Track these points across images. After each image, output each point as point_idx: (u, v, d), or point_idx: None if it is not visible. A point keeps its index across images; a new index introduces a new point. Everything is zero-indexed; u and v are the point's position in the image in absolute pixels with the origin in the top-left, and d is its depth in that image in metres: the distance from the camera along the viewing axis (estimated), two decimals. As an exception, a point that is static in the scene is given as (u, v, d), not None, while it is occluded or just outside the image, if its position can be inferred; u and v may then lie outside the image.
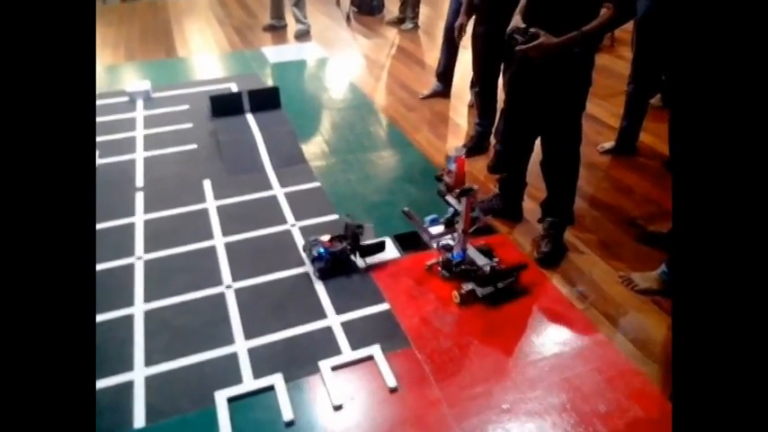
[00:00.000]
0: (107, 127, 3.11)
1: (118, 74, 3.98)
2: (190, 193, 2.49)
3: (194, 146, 2.91)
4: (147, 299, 1.90)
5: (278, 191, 2.51)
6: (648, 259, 2.06)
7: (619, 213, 2.39)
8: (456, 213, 1.92)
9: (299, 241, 2.17)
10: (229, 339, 1.73)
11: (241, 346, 1.71)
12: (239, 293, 1.92)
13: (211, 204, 2.42)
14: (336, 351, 1.69)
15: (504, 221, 2.32)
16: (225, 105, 3.13)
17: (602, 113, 3.28)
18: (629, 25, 2.91)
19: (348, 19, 5.27)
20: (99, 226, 2.27)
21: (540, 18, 1.79)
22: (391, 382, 1.57)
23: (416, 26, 5.02)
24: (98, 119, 3.20)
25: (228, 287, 1.95)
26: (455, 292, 1.87)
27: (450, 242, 1.96)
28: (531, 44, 1.76)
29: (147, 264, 2.07)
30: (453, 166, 1.82)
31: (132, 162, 2.76)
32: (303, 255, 2.04)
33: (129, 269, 2.04)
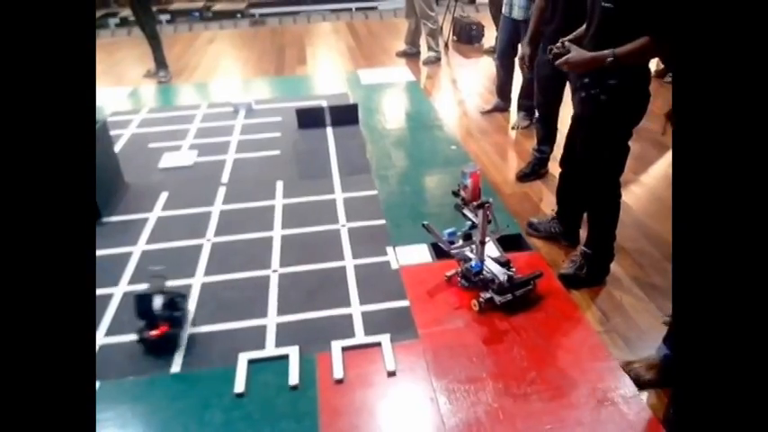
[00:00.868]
0: (210, 131, 3.58)
1: (239, 87, 4.53)
2: (263, 191, 2.82)
3: (277, 152, 3.27)
4: (207, 273, 2.22)
5: (338, 195, 2.77)
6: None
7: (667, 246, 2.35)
8: (473, 226, 2.03)
9: (346, 240, 2.39)
10: (263, 314, 1.99)
11: (272, 320, 1.95)
12: (281, 277, 2.18)
13: (279, 202, 2.72)
14: (350, 335, 1.87)
15: (553, 244, 2.37)
16: (309, 118, 3.47)
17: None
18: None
19: (446, 46, 5.51)
20: (182, 211, 2.66)
21: (592, 45, 1.84)
22: (391, 366, 1.73)
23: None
24: (204, 124, 3.70)
25: (274, 271, 2.21)
26: (474, 301, 1.97)
27: (469, 254, 2.07)
28: (563, 58, 1.85)
29: (214, 245, 2.40)
30: (468, 182, 1.93)
31: (223, 162, 3.17)
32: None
33: (198, 248, 2.38)
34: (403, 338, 1.85)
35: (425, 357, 1.77)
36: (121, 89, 4.58)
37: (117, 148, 3.25)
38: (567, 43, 1.87)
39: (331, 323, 1.94)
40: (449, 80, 4.70)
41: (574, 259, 2.16)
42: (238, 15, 7.32)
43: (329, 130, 3.49)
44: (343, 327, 1.92)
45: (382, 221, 2.52)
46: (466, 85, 4.53)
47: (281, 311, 1.99)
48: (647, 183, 2.94)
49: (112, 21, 7.05)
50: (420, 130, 3.58)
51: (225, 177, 2.99)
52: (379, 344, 1.83)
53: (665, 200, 2.73)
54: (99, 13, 7.05)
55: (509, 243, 2.31)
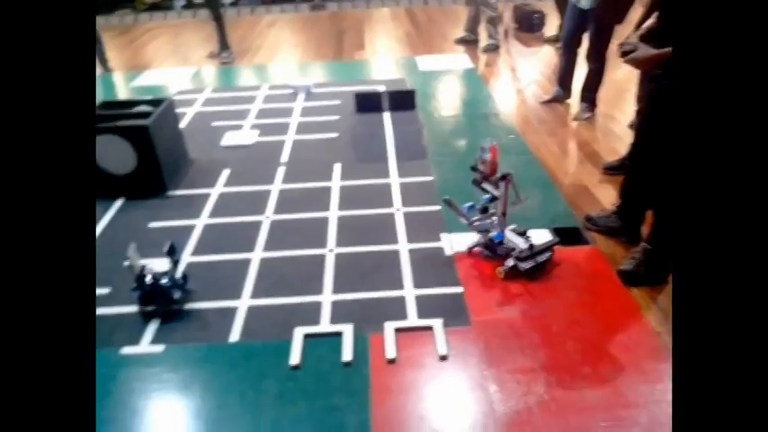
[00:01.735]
0: (270, 112, 3.67)
1: (299, 70, 4.60)
2: (321, 173, 2.87)
3: (335, 134, 3.31)
4: (266, 249, 2.28)
5: (394, 180, 2.79)
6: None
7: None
8: (492, 199, 2.09)
9: (401, 224, 2.41)
10: (319, 290, 2.03)
11: (327, 297, 2.00)
12: (338, 257, 2.22)
13: (336, 184, 2.77)
14: (403, 317, 1.90)
15: (611, 239, 2.31)
16: (367, 103, 3.50)
17: None
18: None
19: (506, 34, 5.41)
20: (243, 188, 2.74)
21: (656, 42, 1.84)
22: (443, 350, 1.74)
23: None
24: (265, 105, 3.78)
25: (330, 251, 2.26)
26: (499, 269, 2.06)
27: (489, 226, 2.14)
28: (629, 55, 1.83)
29: (273, 223, 2.47)
30: (488, 156, 2.02)
31: (282, 142, 3.24)
32: (132, 263, 1.94)
33: (258, 224, 2.45)
34: (455, 324, 1.86)
35: (477, 344, 1.78)
36: (186, 69, 4.73)
37: (182, 125, 3.37)
38: (635, 41, 1.85)
39: (384, 304, 1.96)
40: (508, 68, 4.62)
41: (634, 256, 2.11)
42: (299, -1, 7.39)
43: (386, 114, 3.51)
44: (396, 308, 1.94)
45: (437, 207, 2.52)
46: (525, 74, 4.44)
47: (336, 289, 2.04)
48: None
49: (178, 3, 7.25)
50: (477, 117, 3.55)
51: (284, 157, 3.05)
52: (431, 328, 1.84)
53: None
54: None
55: (566, 236, 2.27)
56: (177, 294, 1.95)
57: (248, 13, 7.09)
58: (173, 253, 1.99)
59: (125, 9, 7.19)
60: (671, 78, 1.79)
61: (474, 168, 2.10)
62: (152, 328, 1.90)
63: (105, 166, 2.62)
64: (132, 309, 1.97)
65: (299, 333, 1.83)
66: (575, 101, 3.69)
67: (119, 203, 2.66)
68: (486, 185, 2.10)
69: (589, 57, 3.39)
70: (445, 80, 4.29)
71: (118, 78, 4.67)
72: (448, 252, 2.23)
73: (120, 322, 1.93)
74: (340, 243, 2.30)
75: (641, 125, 2.15)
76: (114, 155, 2.60)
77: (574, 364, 1.70)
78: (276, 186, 2.76)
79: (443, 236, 2.32)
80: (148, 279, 1.93)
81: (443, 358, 1.73)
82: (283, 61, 4.93)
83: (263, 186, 2.76)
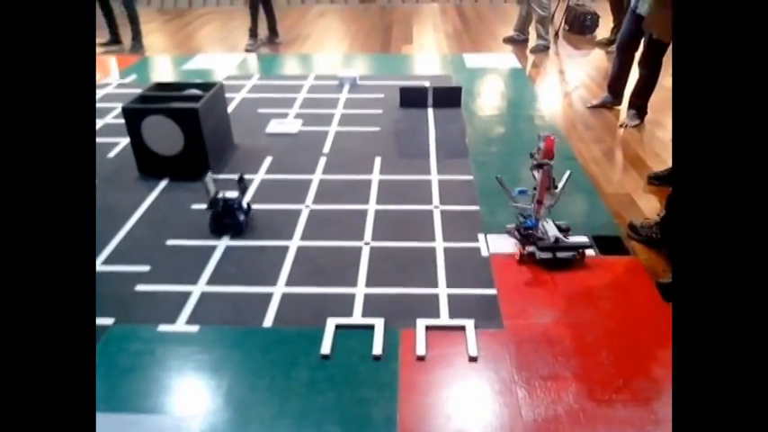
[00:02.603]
0: (315, 102, 3.70)
1: (345, 61, 4.63)
2: (361, 165, 2.88)
3: (378, 128, 3.32)
4: (303, 238, 2.31)
5: (434, 177, 2.78)
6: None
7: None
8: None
9: (438, 222, 2.40)
10: (353, 282, 2.05)
11: (360, 290, 2.01)
12: (373, 250, 2.23)
13: (376, 177, 2.78)
14: (435, 315, 1.89)
15: (654, 251, 2.26)
16: (411, 98, 3.49)
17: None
18: None
19: (556, 35, 5.31)
20: (285, 176, 2.78)
21: None
22: (473, 351, 1.73)
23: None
24: (310, 95, 3.82)
25: (366, 244, 2.27)
26: (518, 251, 2.16)
27: (531, 212, 2.19)
28: None
29: (312, 212, 2.49)
30: (542, 144, 2.07)
31: (325, 133, 3.27)
32: (208, 188, 2.27)
33: (297, 213, 2.48)
34: (487, 326, 1.85)
35: (508, 348, 1.76)
36: (235, 55, 4.81)
37: (229, 110, 3.43)
38: None
39: (417, 301, 1.97)
40: (556, 70, 4.54)
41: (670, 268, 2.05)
42: (349, -10, 7.41)
43: (430, 110, 3.49)
44: (428, 306, 1.94)
45: (476, 207, 2.51)
46: (573, 77, 4.35)
47: (369, 283, 2.05)
48: None
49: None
50: (522, 118, 3.50)
51: (326, 148, 3.08)
52: (462, 328, 1.83)
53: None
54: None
55: (607, 245, 2.23)
56: (242, 217, 2.32)
57: (299, 2, 7.16)
58: (242, 182, 2.37)
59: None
60: None
61: (532, 155, 2.17)
62: (188, 307, 1.95)
63: (153, 146, 2.70)
64: (171, 287, 2.03)
65: (330, 323, 1.85)
66: (624, 107, 3.61)
67: (163, 184, 2.73)
68: (534, 173, 2.17)
69: (642, 62, 3.31)
70: (491, 79, 4.24)
71: (168, 61, 4.79)
72: (484, 253, 2.21)
73: (159, 300, 1.99)
74: (376, 237, 2.31)
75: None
76: (162, 136, 2.67)
77: (606, 375, 1.67)
78: (317, 176, 2.79)
79: (481, 236, 2.31)
80: (220, 202, 2.30)
81: (473, 359, 1.72)
82: (330, 52, 4.96)
83: (305, 176, 2.79)
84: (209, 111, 2.75)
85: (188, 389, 1.65)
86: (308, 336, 1.81)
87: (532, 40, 5.04)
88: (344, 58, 4.72)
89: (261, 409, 1.57)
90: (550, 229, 2.16)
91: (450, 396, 1.60)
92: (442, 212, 2.48)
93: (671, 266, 2.07)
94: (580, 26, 5.39)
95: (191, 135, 2.66)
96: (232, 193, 2.34)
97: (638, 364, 1.71)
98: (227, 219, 2.30)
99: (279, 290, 2.02)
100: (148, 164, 2.75)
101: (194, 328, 1.86)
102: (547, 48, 4.94)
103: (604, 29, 5.27)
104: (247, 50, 4.97)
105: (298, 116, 3.49)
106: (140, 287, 2.04)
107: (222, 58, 4.75)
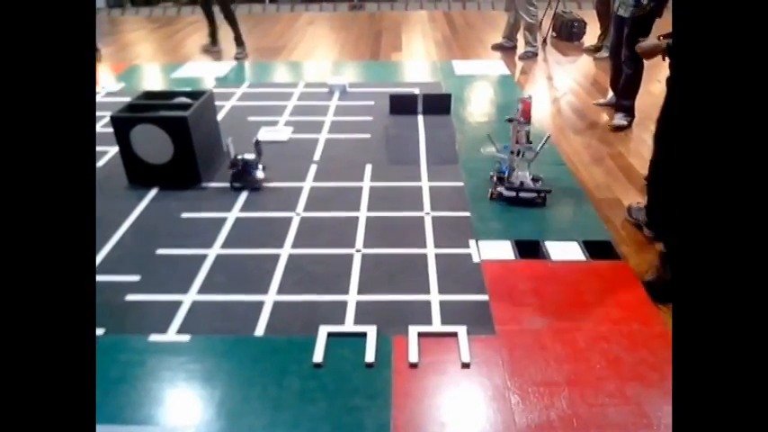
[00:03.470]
0: (305, 110, 3.70)
1: (335, 69, 4.63)
2: (352, 173, 2.88)
3: (368, 135, 3.33)
4: (294, 245, 2.31)
5: (425, 183, 2.78)
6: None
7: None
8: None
9: (429, 228, 2.41)
10: (345, 290, 2.04)
11: (352, 297, 2.01)
12: (364, 257, 2.23)
13: (366, 184, 2.78)
14: (427, 322, 1.89)
15: (645, 253, 2.27)
16: (401, 105, 3.51)
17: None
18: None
19: (544, 42, 5.35)
20: (275, 184, 2.78)
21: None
22: (466, 357, 1.73)
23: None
24: (300, 102, 3.82)
25: (358, 251, 2.27)
26: (490, 190, 2.61)
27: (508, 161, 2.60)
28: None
29: (302, 220, 2.49)
30: (519, 106, 2.42)
31: (316, 140, 3.27)
32: (229, 150, 2.69)
33: (288, 221, 2.48)
34: (479, 332, 1.85)
35: (501, 354, 1.77)
36: (225, 63, 4.80)
37: (219, 118, 3.42)
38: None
39: (409, 308, 1.96)
40: (544, 77, 4.58)
41: (653, 265, 2.08)
42: (338, -2, 7.45)
43: (420, 117, 3.51)
44: (420, 313, 1.94)
45: (467, 213, 2.51)
46: (562, 84, 4.39)
47: (361, 290, 2.04)
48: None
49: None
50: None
51: (317, 155, 3.08)
52: (455, 334, 1.83)
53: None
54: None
55: (597, 249, 2.24)
56: (261, 175, 2.73)
57: (288, 10, 7.17)
58: (258, 146, 2.75)
59: (168, 2, 7.35)
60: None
61: (510, 120, 2.55)
62: (179, 317, 1.93)
63: (142, 154, 2.69)
64: (161, 297, 2.02)
65: (323, 331, 1.84)
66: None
67: (153, 192, 2.72)
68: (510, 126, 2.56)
69: (625, 62, 3.37)
70: (481, 85, 4.27)
71: (158, 70, 4.77)
72: (476, 259, 2.22)
73: (149, 310, 1.97)
74: (368, 244, 2.31)
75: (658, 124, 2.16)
76: (152, 144, 2.66)
77: (598, 380, 1.68)
78: (308, 184, 2.79)
79: (472, 242, 2.31)
80: (240, 163, 2.70)
81: (466, 366, 1.72)
82: (320, 59, 4.97)
83: (295, 183, 2.79)
84: (199, 119, 2.74)
85: (180, 399, 1.63)
86: (299, 344, 1.81)
87: (521, 47, 5.08)
88: (334, 66, 4.74)
89: (253, 419, 1.56)
90: (522, 176, 2.55)
91: (443, 403, 1.60)
92: (433, 219, 2.49)
93: (660, 264, 2.09)
94: (568, 33, 5.44)
95: (180, 144, 2.65)
96: (250, 155, 2.72)
97: (630, 369, 1.72)
98: (244, 177, 2.70)
99: (270, 298, 2.01)
100: (138, 173, 2.74)
101: (185, 338, 1.84)
102: (535, 54, 4.99)
103: (592, 36, 5.32)
104: (237, 59, 4.97)
105: (288, 123, 3.49)
106: (131, 297, 2.02)
107: (210, 65, 4.75)
